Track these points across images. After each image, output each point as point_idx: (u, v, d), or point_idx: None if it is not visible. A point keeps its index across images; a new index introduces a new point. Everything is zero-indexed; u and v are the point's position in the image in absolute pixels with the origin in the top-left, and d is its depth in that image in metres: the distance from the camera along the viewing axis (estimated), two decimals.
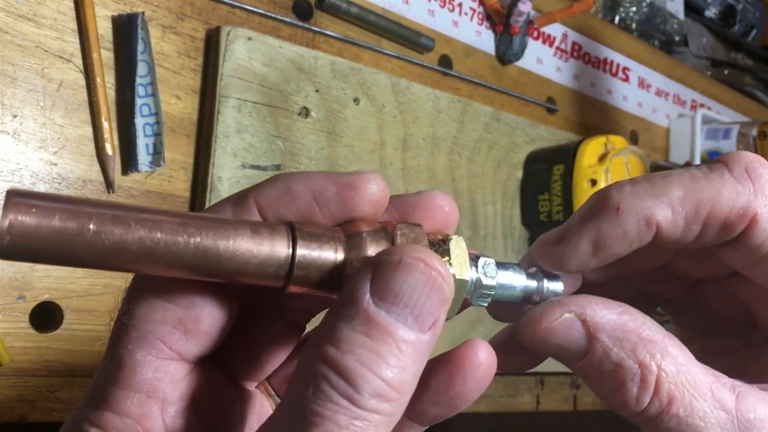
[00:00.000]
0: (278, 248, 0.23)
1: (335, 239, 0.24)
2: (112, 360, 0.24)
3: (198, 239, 0.22)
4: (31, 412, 0.48)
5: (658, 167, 0.91)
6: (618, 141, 0.79)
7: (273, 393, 0.30)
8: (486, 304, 0.26)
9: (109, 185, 0.52)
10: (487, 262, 0.26)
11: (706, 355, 0.28)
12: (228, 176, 0.56)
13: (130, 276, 0.25)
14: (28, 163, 0.49)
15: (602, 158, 0.77)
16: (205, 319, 0.24)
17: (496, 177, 0.77)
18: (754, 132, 0.97)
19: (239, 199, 0.25)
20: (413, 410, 0.26)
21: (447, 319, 0.26)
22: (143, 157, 0.53)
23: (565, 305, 0.25)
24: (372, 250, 0.24)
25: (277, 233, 0.23)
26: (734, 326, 0.30)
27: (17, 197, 0.20)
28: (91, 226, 0.20)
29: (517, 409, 0.80)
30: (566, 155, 0.77)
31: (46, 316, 0.49)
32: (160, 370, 0.24)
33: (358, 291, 0.22)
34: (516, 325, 0.28)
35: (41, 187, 0.49)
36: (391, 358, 0.21)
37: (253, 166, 0.57)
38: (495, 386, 0.78)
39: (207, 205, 0.55)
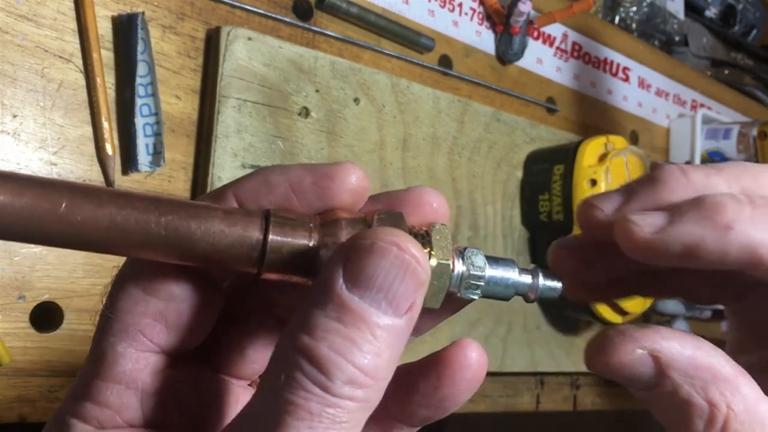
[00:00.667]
0: (251, 230, 0.23)
1: (310, 224, 0.24)
2: (96, 353, 0.25)
3: (170, 217, 0.22)
4: (31, 412, 0.48)
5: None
6: (618, 141, 0.79)
7: None
8: (476, 297, 0.26)
9: (109, 185, 0.52)
10: (474, 252, 0.26)
11: (760, 369, 0.27)
12: (228, 176, 0.56)
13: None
14: (28, 163, 0.49)
15: (602, 158, 0.77)
16: (186, 312, 0.25)
17: (496, 177, 0.77)
18: (754, 132, 0.97)
19: (218, 194, 0.25)
20: (402, 412, 0.26)
21: (442, 319, 0.25)
22: (143, 157, 0.53)
23: (638, 340, 0.25)
24: (347, 236, 0.24)
25: (250, 217, 0.24)
26: None
27: None
28: (63, 203, 0.21)
29: (517, 409, 0.80)
30: (566, 155, 0.77)
31: (46, 316, 0.49)
32: (140, 361, 0.24)
33: (331, 276, 0.21)
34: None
35: None
36: (365, 344, 0.21)
37: (253, 166, 0.57)
38: (495, 386, 0.78)
39: None
